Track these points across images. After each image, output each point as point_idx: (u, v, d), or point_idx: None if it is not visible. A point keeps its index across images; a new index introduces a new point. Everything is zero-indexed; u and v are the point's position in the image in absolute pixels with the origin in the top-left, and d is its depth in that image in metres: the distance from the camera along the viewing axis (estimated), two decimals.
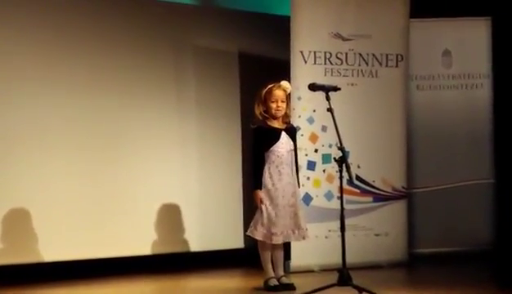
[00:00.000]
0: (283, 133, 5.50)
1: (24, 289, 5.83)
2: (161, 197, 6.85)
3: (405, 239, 6.82)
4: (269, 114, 5.50)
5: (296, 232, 5.47)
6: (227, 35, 7.31)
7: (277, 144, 5.46)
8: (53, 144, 6.37)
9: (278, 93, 5.49)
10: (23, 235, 6.21)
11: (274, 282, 5.48)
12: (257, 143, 5.52)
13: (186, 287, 6.26)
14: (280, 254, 5.57)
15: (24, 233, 6.21)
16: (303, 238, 5.52)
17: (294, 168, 5.54)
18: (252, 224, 5.47)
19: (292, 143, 5.53)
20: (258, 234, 5.42)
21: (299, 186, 5.65)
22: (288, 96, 5.56)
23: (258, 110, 5.52)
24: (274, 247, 5.51)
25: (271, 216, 5.39)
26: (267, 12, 7.54)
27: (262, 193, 5.42)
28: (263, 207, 5.41)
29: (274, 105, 5.48)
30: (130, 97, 6.78)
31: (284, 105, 5.49)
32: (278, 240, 5.41)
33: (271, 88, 5.51)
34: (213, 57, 7.23)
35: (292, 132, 5.60)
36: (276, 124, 5.52)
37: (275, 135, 5.47)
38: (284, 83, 5.56)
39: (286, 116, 5.55)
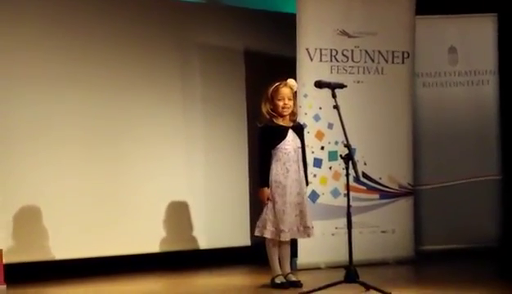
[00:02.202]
0: (290, 131, 5.50)
1: (33, 287, 5.86)
2: (168, 195, 6.85)
3: (411, 236, 6.82)
4: (276, 112, 5.50)
5: (302, 229, 5.48)
6: (233, 33, 7.31)
7: (284, 141, 5.46)
8: (59, 143, 6.37)
9: (285, 91, 5.49)
10: (31, 234, 6.22)
11: (281, 279, 5.49)
12: (264, 141, 5.53)
13: (193, 284, 6.26)
14: (287, 251, 5.58)
15: (33, 231, 6.22)
16: (308, 235, 5.53)
17: (302, 166, 5.54)
18: (259, 223, 5.48)
19: (299, 141, 5.53)
20: (267, 233, 5.44)
21: (307, 184, 5.65)
22: (294, 94, 5.56)
23: (265, 108, 5.52)
24: (281, 244, 5.52)
25: (279, 213, 5.40)
26: (272, 10, 7.54)
27: (269, 191, 5.44)
28: (270, 204, 5.43)
29: (281, 103, 5.48)
30: (136, 95, 6.78)
31: (291, 103, 5.50)
32: (286, 237, 5.42)
33: (277, 86, 5.51)
34: (218, 55, 7.23)
35: (299, 130, 5.60)
36: (283, 122, 5.52)
37: (282, 133, 5.48)
38: (290, 81, 5.56)
39: (293, 114, 5.55)
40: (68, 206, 6.33)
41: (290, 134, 5.50)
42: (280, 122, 5.52)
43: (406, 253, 6.77)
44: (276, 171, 5.45)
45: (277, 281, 5.47)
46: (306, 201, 5.58)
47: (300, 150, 5.54)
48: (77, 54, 6.52)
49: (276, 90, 5.50)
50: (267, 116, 5.52)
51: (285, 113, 5.50)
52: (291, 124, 5.54)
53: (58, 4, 6.49)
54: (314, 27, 6.58)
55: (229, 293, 5.62)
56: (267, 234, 5.44)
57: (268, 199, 5.43)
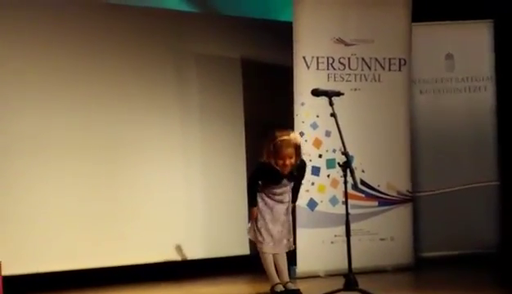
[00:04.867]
0: (284, 179, 5.49)
1: None
2: (165, 204, 6.84)
3: (410, 243, 6.81)
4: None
5: (285, 243, 5.54)
6: (230, 42, 7.32)
7: (275, 187, 5.50)
8: (57, 156, 6.36)
9: (286, 151, 5.36)
10: (30, 246, 6.19)
11: (280, 288, 5.48)
12: (255, 177, 5.61)
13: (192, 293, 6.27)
14: (282, 260, 5.57)
15: (32, 243, 6.20)
16: (289, 248, 5.60)
17: (290, 196, 5.56)
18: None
19: (291, 184, 5.54)
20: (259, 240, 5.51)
21: (295, 201, 5.69)
22: (298, 147, 5.42)
23: (268, 159, 5.41)
24: (275, 253, 5.54)
25: (263, 230, 5.49)
26: (269, 18, 7.55)
27: (257, 211, 5.52)
28: (256, 228, 5.53)
29: (281, 162, 5.40)
30: (133, 106, 6.78)
31: (292, 160, 5.40)
32: (268, 249, 5.50)
33: (281, 143, 5.36)
34: (215, 64, 7.23)
35: (298, 171, 5.53)
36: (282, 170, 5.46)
37: (275, 179, 5.48)
38: (294, 138, 5.43)
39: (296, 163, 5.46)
40: (67, 218, 6.32)
41: (284, 182, 5.50)
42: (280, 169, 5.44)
43: (405, 260, 6.76)
44: (263, 202, 5.53)
45: (277, 289, 5.47)
46: (290, 218, 5.60)
47: (290, 188, 5.55)
48: (73, 65, 6.51)
49: (279, 148, 5.36)
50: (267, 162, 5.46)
51: (285, 172, 5.43)
52: (288, 170, 5.46)
53: (55, 16, 6.49)
54: (311, 35, 6.59)
55: None
56: (259, 240, 5.49)
57: (256, 218, 5.51)
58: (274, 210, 5.50)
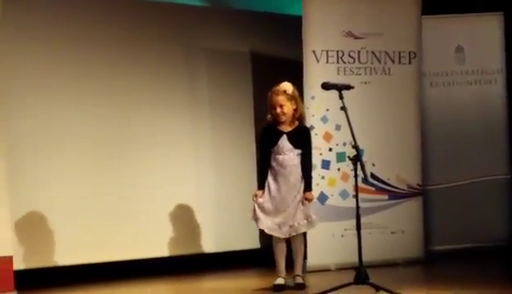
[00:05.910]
0: (283, 137, 5.44)
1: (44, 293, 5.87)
2: (176, 198, 6.86)
3: (421, 236, 6.81)
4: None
5: (288, 227, 5.45)
6: (239, 36, 7.32)
7: (275, 148, 5.44)
8: (67, 152, 6.38)
9: (276, 99, 5.42)
10: (41, 240, 6.23)
11: (279, 281, 5.46)
12: (260, 142, 5.58)
13: (202, 288, 6.26)
14: (298, 250, 5.55)
15: (42, 238, 6.24)
16: (295, 231, 5.48)
17: (299, 170, 5.46)
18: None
19: (295, 146, 5.44)
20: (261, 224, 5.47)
21: (310, 188, 5.52)
22: (292, 97, 5.45)
23: (269, 114, 5.51)
24: (292, 239, 5.50)
25: (268, 209, 5.43)
26: (278, 12, 7.55)
27: (260, 193, 5.46)
28: (256, 205, 5.45)
29: (273, 111, 5.45)
30: (143, 101, 6.79)
31: (285, 109, 5.42)
32: (263, 227, 5.45)
33: (271, 93, 5.46)
34: (225, 58, 7.24)
35: (300, 133, 5.51)
36: (283, 127, 5.48)
37: (275, 138, 5.45)
38: (282, 86, 5.47)
39: (297, 114, 5.48)
40: (77, 212, 6.35)
41: (283, 140, 5.43)
42: (281, 126, 5.47)
43: (416, 253, 6.76)
44: (270, 177, 5.46)
45: (275, 282, 5.46)
46: (301, 205, 5.47)
47: (297, 156, 5.47)
48: (81, 59, 6.53)
49: (271, 97, 5.46)
50: (271, 120, 5.51)
51: (280, 120, 5.45)
52: (289, 129, 5.47)
53: (62, 11, 6.49)
54: (320, 29, 6.58)
55: None
56: (255, 217, 5.45)
57: (256, 199, 5.45)
58: (278, 196, 5.41)
